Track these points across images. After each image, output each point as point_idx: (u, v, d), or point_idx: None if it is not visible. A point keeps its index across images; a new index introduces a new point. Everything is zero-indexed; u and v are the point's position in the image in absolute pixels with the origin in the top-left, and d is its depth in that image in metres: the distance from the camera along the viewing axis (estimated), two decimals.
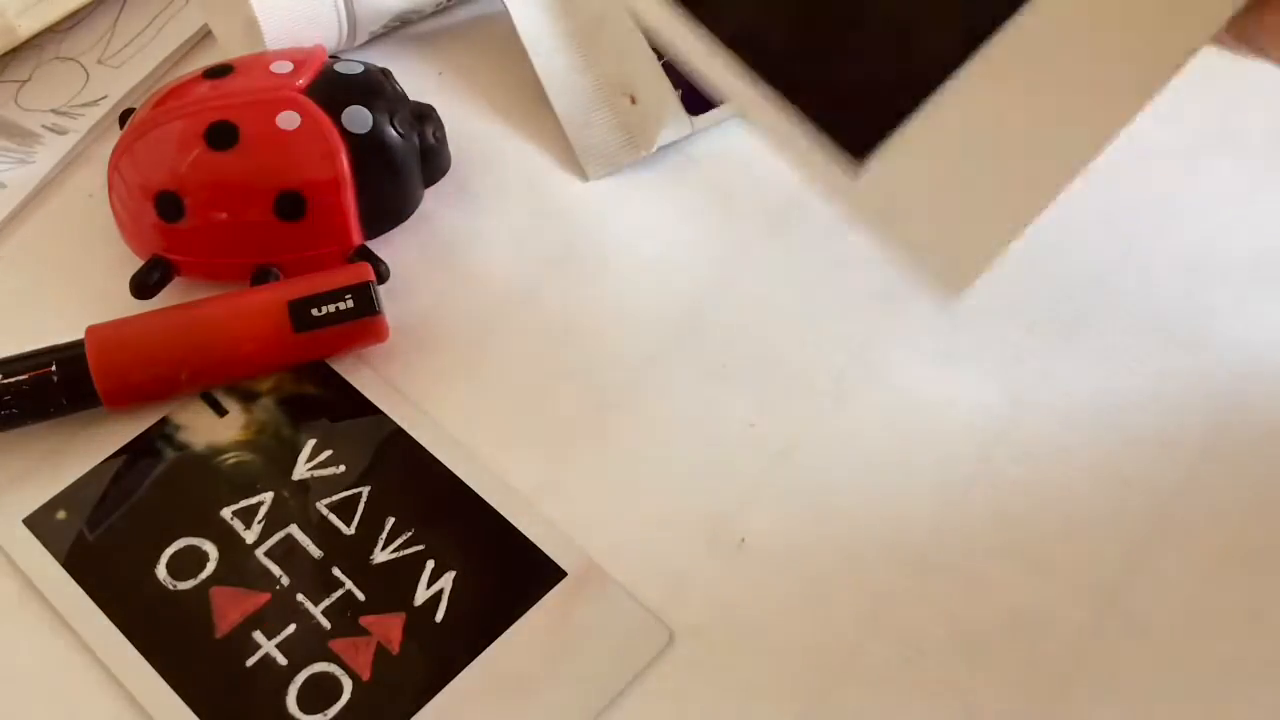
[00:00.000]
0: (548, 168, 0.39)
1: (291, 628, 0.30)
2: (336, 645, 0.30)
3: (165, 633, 0.30)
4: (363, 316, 0.34)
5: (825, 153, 0.23)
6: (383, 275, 0.35)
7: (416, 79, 0.39)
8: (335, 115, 0.35)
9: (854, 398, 0.34)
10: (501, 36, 0.41)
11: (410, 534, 0.31)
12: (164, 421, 0.34)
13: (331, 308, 0.34)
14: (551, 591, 0.30)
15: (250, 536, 0.31)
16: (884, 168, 0.23)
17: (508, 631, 0.30)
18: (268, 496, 0.32)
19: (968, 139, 0.23)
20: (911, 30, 0.23)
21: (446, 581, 0.31)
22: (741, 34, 0.24)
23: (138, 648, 0.30)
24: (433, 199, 0.38)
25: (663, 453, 0.33)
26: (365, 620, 0.30)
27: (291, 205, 0.35)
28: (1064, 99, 0.23)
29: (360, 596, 0.30)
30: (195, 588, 0.31)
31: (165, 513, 0.32)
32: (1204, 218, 0.36)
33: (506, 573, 0.31)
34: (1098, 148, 0.23)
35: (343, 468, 0.32)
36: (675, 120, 0.38)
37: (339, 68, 0.37)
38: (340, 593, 0.30)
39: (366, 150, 0.35)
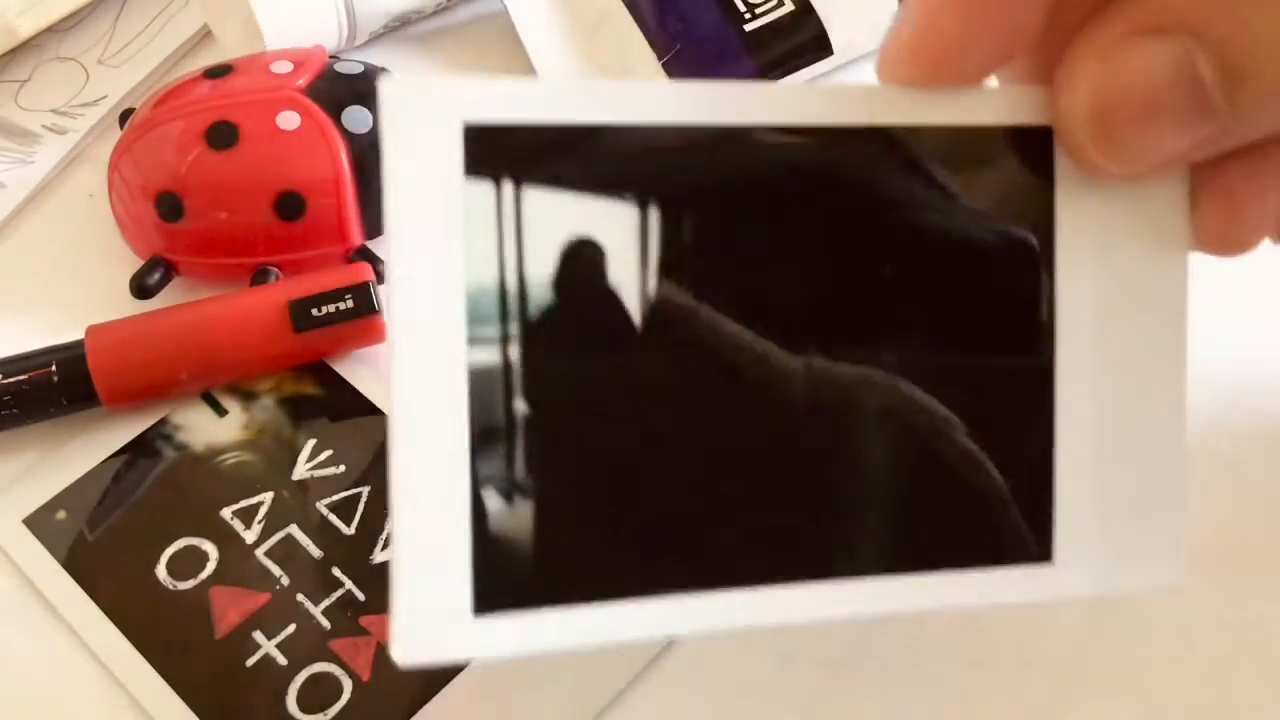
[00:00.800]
0: None
1: (291, 628, 0.30)
2: (336, 645, 0.30)
3: (165, 633, 0.30)
4: (363, 316, 0.34)
5: (1018, 573, 0.22)
6: (383, 275, 0.35)
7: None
8: (335, 115, 0.35)
9: None
10: (501, 36, 0.41)
11: None
12: (164, 421, 0.34)
13: (331, 308, 0.33)
14: None
15: (250, 536, 0.31)
16: (1067, 540, 0.22)
17: None
18: (268, 496, 0.32)
19: (1096, 450, 0.22)
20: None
21: None
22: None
23: (137, 648, 0.30)
24: None
25: None
26: (365, 620, 0.30)
27: (291, 205, 0.35)
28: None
29: (360, 596, 0.30)
30: (195, 588, 0.31)
31: (165, 513, 0.32)
32: None
33: None
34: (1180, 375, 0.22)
35: (343, 468, 0.32)
36: None
37: (339, 68, 0.37)
38: (340, 593, 0.30)
39: (366, 150, 0.35)
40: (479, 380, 0.19)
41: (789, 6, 0.38)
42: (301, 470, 0.32)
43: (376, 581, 0.31)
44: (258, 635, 0.30)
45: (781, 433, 0.21)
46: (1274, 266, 0.35)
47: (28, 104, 0.42)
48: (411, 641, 0.19)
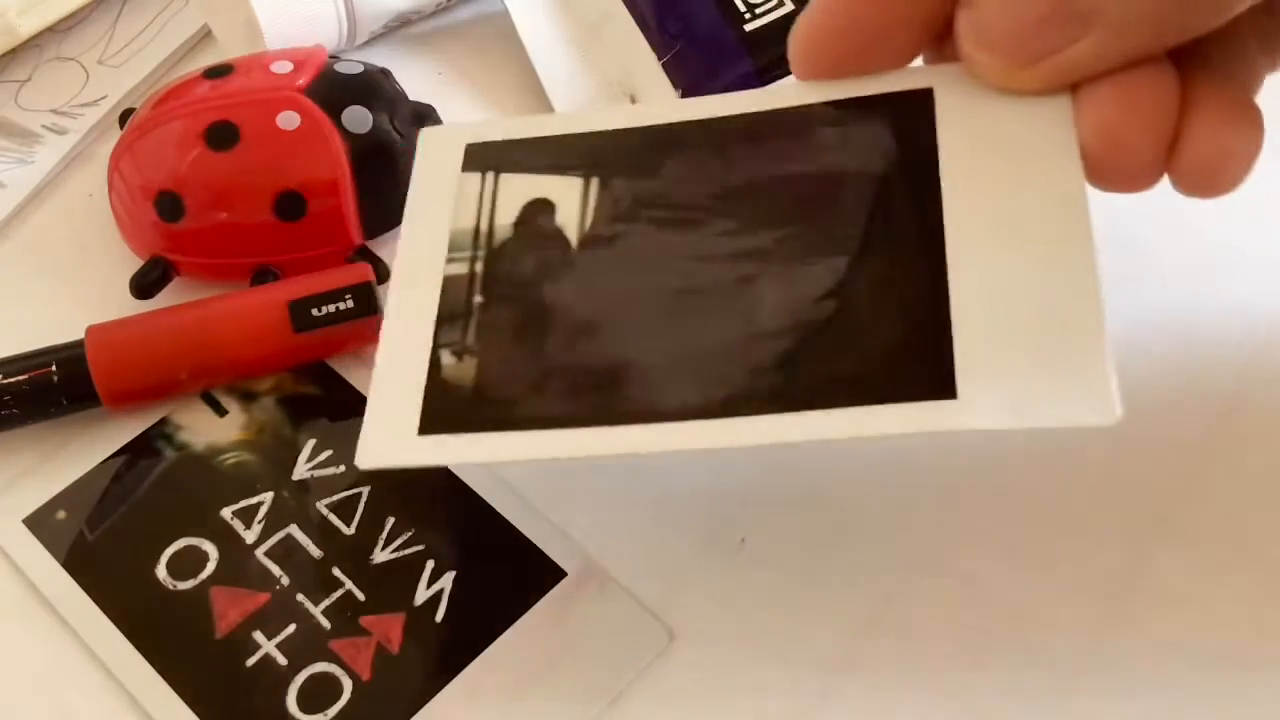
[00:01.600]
0: None
1: (291, 628, 0.30)
2: (336, 645, 0.30)
3: (165, 633, 0.30)
4: (363, 316, 0.34)
5: (919, 407, 0.24)
6: (383, 275, 0.35)
7: (416, 79, 0.39)
8: (335, 115, 0.35)
9: None
10: (501, 36, 0.41)
11: (410, 534, 0.31)
12: (164, 421, 0.34)
13: (331, 308, 0.34)
14: (551, 591, 0.30)
15: (250, 536, 0.31)
16: (970, 376, 0.24)
17: (508, 631, 0.30)
18: (268, 496, 0.32)
19: (995, 303, 0.24)
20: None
21: (446, 581, 0.31)
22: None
23: (137, 648, 0.30)
24: None
25: None
26: (365, 620, 0.30)
27: (291, 205, 0.35)
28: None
29: (360, 596, 0.30)
30: (195, 588, 0.31)
31: (165, 513, 0.32)
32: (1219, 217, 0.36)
33: (506, 573, 0.31)
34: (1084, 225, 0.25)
35: (343, 468, 0.32)
36: None
37: (339, 68, 0.37)
38: (340, 593, 0.30)
39: (366, 150, 0.35)
40: (450, 284, 0.28)
41: (789, 6, 0.38)
42: (301, 470, 0.32)
43: (377, 581, 0.31)
44: (258, 635, 0.30)
45: (684, 305, 0.26)
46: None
47: (27, 104, 0.42)
48: (371, 450, 0.26)
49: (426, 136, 0.30)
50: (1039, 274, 0.24)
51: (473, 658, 0.29)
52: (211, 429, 0.33)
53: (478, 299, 0.27)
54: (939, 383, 0.24)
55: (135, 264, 0.36)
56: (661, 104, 0.29)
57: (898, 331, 0.25)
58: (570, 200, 0.28)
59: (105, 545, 0.31)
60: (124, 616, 0.30)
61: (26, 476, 0.33)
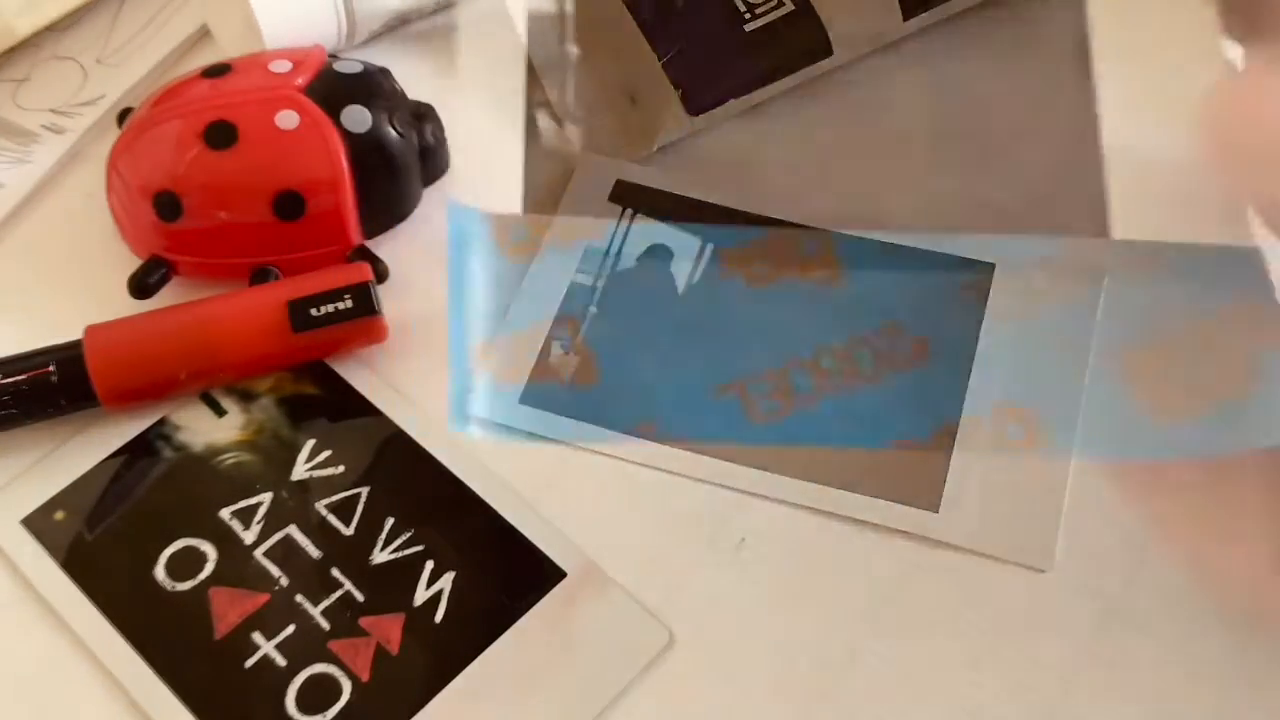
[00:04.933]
0: None
1: (291, 628, 0.30)
2: (336, 646, 0.30)
3: (164, 633, 0.30)
4: (362, 316, 0.33)
5: (912, 512, 0.28)
6: (382, 275, 0.35)
7: (416, 78, 0.39)
8: (334, 115, 0.35)
9: None
10: (501, 36, 0.41)
11: (409, 534, 0.31)
12: (163, 422, 0.33)
13: (330, 308, 0.33)
14: (551, 592, 0.30)
15: (249, 537, 0.31)
16: (952, 505, 0.27)
17: (508, 632, 0.30)
18: (267, 497, 0.32)
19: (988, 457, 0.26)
20: None
21: (446, 582, 0.30)
22: None
23: (136, 648, 0.30)
24: (432, 199, 0.38)
25: None
26: (364, 621, 0.30)
27: (290, 205, 0.35)
28: None
29: (359, 597, 0.30)
30: (194, 588, 0.31)
31: (164, 513, 0.32)
32: None
33: (506, 573, 0.31)
34: None
35: (342, 468, 0.32)
36: (675, 120, 0.38)
37: (338, 67, 0.37)
38: (339, 593, 0.30)
39: (365, 150, 0.35)
40: (575, 290, 0.30)
41: (789, 7, 0.38)
42: (300, 470, 0.32)
43: (376, 582, 0.31)
44: (257, 636, 0.30)
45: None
46: None
47: (26, 103, 0.41)
48: (482, 406, 0.28)
49: (583, 162, 0.34)
50: (1026, 447, 0.25)
51: (472, 658, 0.29)
52: (210, 429, 0.33)
53: (593, 310, 0.31)
54: (931, 500, 0.26)
55: (134, 264, 0.36)
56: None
57: (1052, 152, 0.25)
58: (687, 251, 0.32)
59: (104, 546, 0.31)
60: (123, 617, 0.30)
61: (25, 477, 0.32)
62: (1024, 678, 0.29)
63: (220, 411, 0.34)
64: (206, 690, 0.29)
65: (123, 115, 0.38)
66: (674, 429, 0.24)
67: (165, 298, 0.35)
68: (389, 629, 0.30)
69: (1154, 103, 0.22)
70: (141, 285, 0.35)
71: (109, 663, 0.29)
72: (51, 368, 0.33)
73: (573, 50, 0.40)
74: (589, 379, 0.26)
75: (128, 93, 0.42)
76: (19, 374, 0.32)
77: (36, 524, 0.32)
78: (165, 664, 0.29)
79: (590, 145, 0.39)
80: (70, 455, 0.33)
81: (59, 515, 0.32)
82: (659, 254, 0.30)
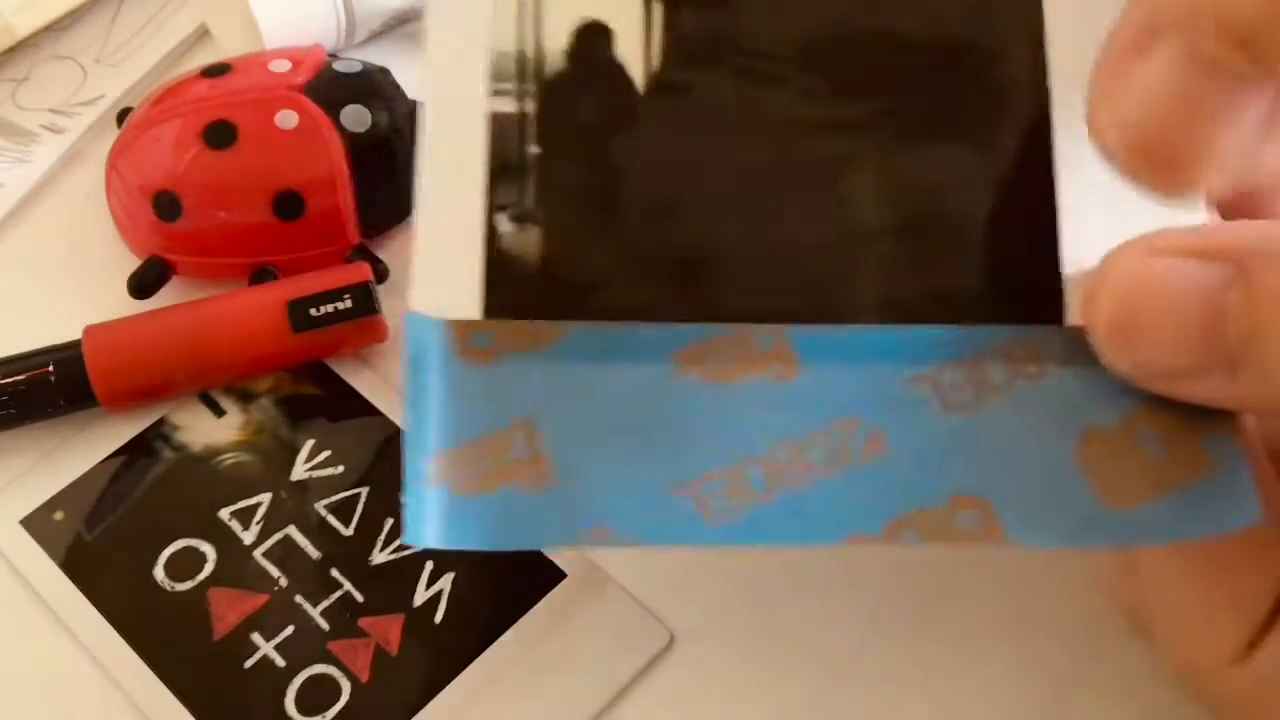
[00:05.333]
0: None
1: (290, 629, 0.30)
2: (335, 647, 0.30)
3: (163, 634, 0.30)
4: (362, 316, 0.33)
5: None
6: (382, 275, 0.35)
7: (415, 78, 0.39)
8: (334, 114, 0.35)
9: None
10: None
11: None
12: (162, 422, 0.33)
13: (330, 308, 0.33)
14: (551, 592, 0.30)
15: (248, 537, 0.31)
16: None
17: (507, 632, 0.30)
18: (266, 497, 0.32)
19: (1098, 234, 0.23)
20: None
21: (446, 583, 0.30)
22: None
23: (135, 649, 0.29)
24: None
25: None
26: (364, 622, 0.30)
27: (290, 205, 0.35)
28: None
29: (359, 598, 0.30)
30: (193, 589, 0.30)
31: (163, 514, 0.32)
32: None
33: (506, 573, 0.31)
34: None
35: (341, 468, 0.32)
36: None
37: (337, 66, 0.37)
38: (339, 594, 0.30)
39: (365, 149, 0.35)
40: (499, 124, 0.23)
41: None
42: (300, 471, 0.32)
43: (375, 582, 0.30)
44: (256, 637, 0.30)
45: (775, 183, 0.23)
46: None
47: (25, 103, 0.41)
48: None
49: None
50: (1143, 206, 0.22)
51: (472, 659, 0.29)
52: (210, 429, 0.33)
53: (533, 149, 0.24)
54: (1047, 305, 0.23)
55: (133, 264, 0.36)
56: None
57: (1006, 240, 0.23)
58: (630, 27, 0.24)
59: (103, 546, 0.31)
60: (122, 618, 0.30)
61: (24, 477, 0.32)
62: (1024, 677, 0.29)
63: (219, 412, 0.34)
64: (205, 691, 0.29)
65: (122, 115, 0.38)
66: (627, 533, 0.23)
67: (165, 298, 0.35)
68: (388, 629, 0.30)
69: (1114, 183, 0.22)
70: (141, 285, 0.35)
71: (108, 663, 0.29)
72: (50, 368, 0.32)
73: None
74: (545, 483, 0.23)
75: (127, 92, 0.42)
76: (18, 374, 0.32)
77: (35, 524, 0.32)
78: (164, 664, 0.29)
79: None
80: (69, 455, 0.33)
81: (58, 515, 0.32)
82: (594, 38, 0.24)
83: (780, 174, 0.24)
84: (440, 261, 0.23)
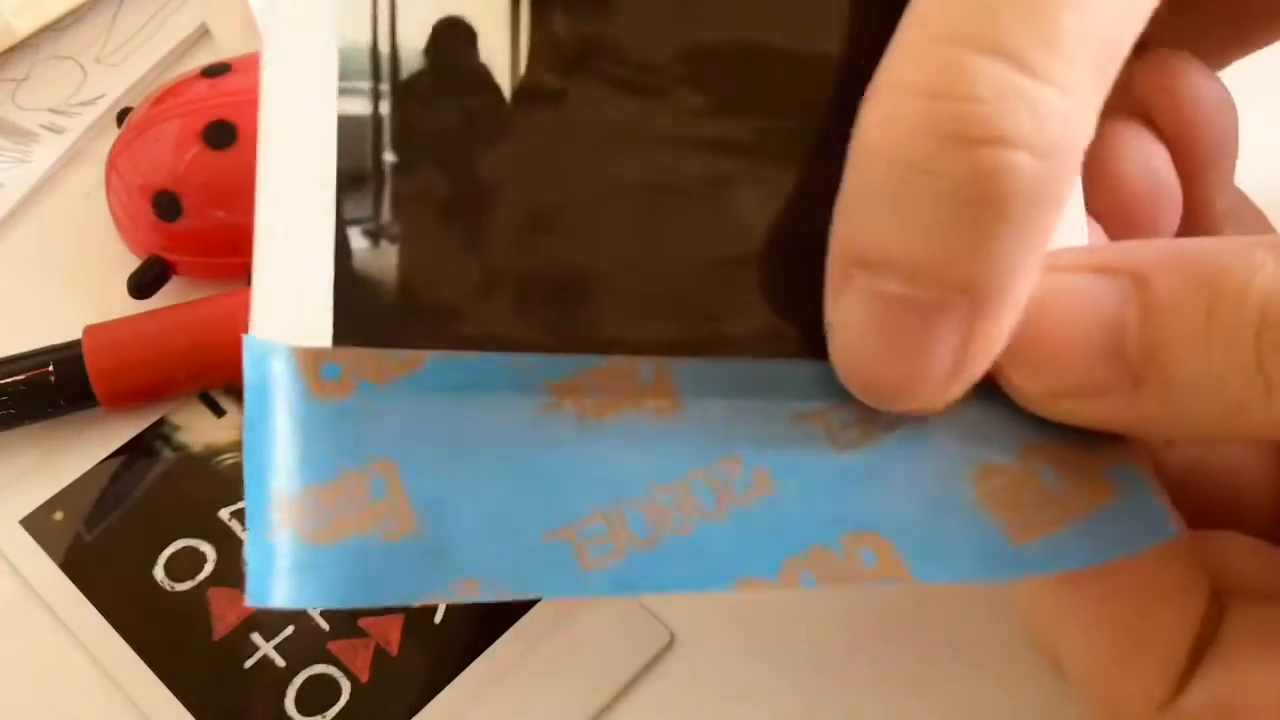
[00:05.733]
0: None
1: (290, 629, 0.30)
2: (335, 647, 0.30)
3: (163, 634, 0.30)
4: None
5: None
6: None
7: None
8: None
9: None
10: None
11: None
12: (162, 422, 0.33)
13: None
14: None
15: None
16: None
17: (507, 633, 0.30)
18: None
19: None
20: None
21: None
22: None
23: (135, 649, 0.29)
24: None
25: None
26: (364, 622, 0.30)
27: None
28: None
29: None
30: (193, 589, 0.30)
31: (163, 514, 0.32)
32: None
33: None
34: None
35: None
36: None
37: None
38: None
39: None
40: (348, 128, 0.20)
41: None
42: None
43: None
44: (256, 637, 0.30)
45: (652, 204, 0.21)
46: None
47: (25, 103, 0.41)
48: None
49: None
50: None
51: (472, 659, 0.29)
52: (209, 429, 0.33)
53: (389, 157, 0.21)
54: None
55: (133, 263, 0.36)
56: None
57: None
58: (496, 26, 0.22)
59: (103, 546, 0.31)
60: (121, 618, 0.30)
61: (23, 477, 0.32)
62: (1024, 677, 0.29)
63: (219, 411, 0.34)
64: (205, 691, 0.29)
65: (122, 115, 0.38)
66: (498, 583, 0.21)
67: (165, 298, 0.35)
68: (388, 630, 0.30)
69: None
70: (140, 285, 0.35)
71: (108, 663, 0.29)
72: (50, 368, 0.32)
73: None
74: (405, 530, 0.20)
75: (127, 92, 0.42)
76: (17, 374, 0.32)
77: (35, 524, 0.32)
78: (164, 664, 0.29)
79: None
80: (69, 456, 0.33)
81: (58, 516, 0.32)
82: (455, 36, 0.21)
83: (659, 193, 0.22)
84: (284, 281, 0.20)
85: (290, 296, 0.20)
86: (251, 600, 0.18)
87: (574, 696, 0.29)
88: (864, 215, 0.18)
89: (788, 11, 0.22)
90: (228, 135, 0.35)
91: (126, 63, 0.43)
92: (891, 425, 0.22)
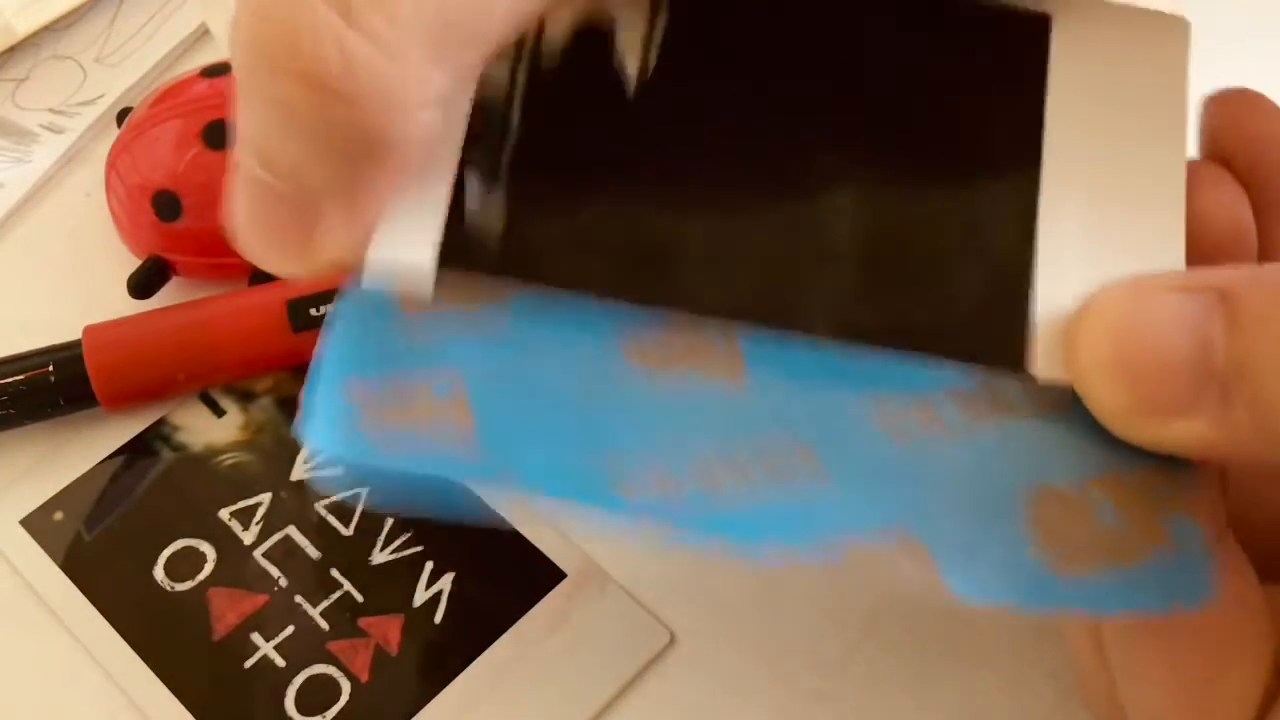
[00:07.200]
0: None
1: (290, 629, 0.30)
2: (335, 647, 0.30)
3: (163, 634, 0.30)
4: None
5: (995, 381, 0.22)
6: None
7: None
8: None
9: None
10: None
11: (409, 535, 0.31)
12: (161, 422, 0.33)
13: (330, 307, 0.33)
14: (551, 592, 0.30)
15: (248, 538, 0.31)
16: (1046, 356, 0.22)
17: (507, 633, 0.30)
18: (266, 497, 0.32)
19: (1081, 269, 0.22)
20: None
21: (445, 583, 0.30)
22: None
23: (135, 649, 0.29)
24: None
25: None
26: (364, 622, 0.30)
27: None
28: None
29: (359, 598, 0.30)
30: (193, 589, 0.30)
31: (163, 514, 0.32)
32: None
33: (506, 573, 0.31)
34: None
35: (341, 468, 0.32)
36: None
37: None
38: (339, 594, 0.30)
39: None
40: (486, 85, 0.23)
41: None
42: (300, 471, 0.32)
43: (375, 583, 0.30)
44: (255, 637, 0.30)
45: (754, 186, 0.23)
46: None
47: (25, 103, 0.41)
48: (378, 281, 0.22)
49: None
50: (1126, 249, 0.22)
51: (472, 659, 0.29)
52: (209, 429, 0.33)
53: (516, 119, 0.23)
54: (1012, 352, 0.22)
55: (133, 264, 0.36)
56: None
57: (979, 278, 0.22)
58: (632, 26, 0.24)
59: (103, 546, 0.31)
60: (121, 618, 0.30)
61: (23, 478, 0.32)
62: (1024, 677, 0.29)
63: (219, 412, 0.34)
64: (205, 691, 0.29)
65: (122, 115, 0.38)
66: (537, 482, 0.22)
67: (164, 298, 0.35)
68: (388, 629, 0.30)
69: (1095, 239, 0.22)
70: (140, 285, 0.35)
71: (107, 663, 0.29)
72: (50, 368, 0.32)
73: None
74: (462, 428, 0.22)
75: (127, 92, 0.42)
76: (17, 374, 0.32)
77: (35, 525, 0.32)
78: (164, 664, 0.29)
79: None
80: (69, 456, 0.33)
81: (58, 516, 0.32)
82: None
83: (761, 176, 0.23)
84: (403, 212, 0.22)
85: (404, 225, 0.22)
86: (313, 441, 0.21)
87: (574, 696, 0.29)
88: (241, 107, 0.20)
89: (905, 43, 0.24)
90: (228, 135, 0.35)
91: (126, 63, 0.43)
92: (953, 427, 0.22)
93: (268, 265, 0.22)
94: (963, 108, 0.23)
